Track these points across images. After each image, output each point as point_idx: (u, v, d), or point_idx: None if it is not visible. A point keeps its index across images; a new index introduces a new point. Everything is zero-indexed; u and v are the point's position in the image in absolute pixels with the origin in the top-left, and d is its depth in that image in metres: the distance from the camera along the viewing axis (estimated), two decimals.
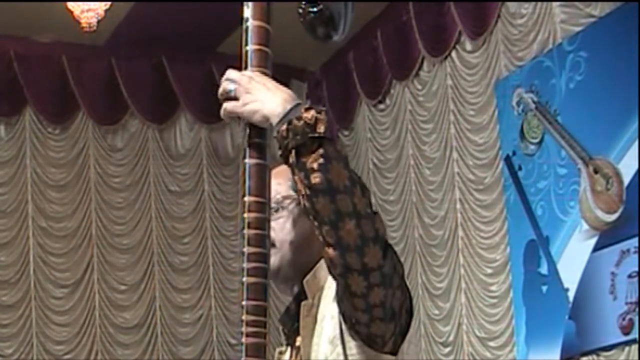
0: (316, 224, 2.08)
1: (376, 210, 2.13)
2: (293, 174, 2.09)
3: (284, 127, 2.07)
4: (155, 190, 10.13)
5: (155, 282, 9.97)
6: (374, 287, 2.09)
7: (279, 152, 2.11)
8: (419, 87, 9.35)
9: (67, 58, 9.84)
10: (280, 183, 2.36)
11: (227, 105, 2.14)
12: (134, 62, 10.06)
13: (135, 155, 10.13)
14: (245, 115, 2.12)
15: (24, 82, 9.72)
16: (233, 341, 9.87)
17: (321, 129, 2.06)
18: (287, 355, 2.40)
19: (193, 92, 10.24)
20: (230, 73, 2.15)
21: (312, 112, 2.07)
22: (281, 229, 2.35)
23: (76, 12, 8.48)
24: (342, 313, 2.17)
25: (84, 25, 8.49)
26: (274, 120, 2.09)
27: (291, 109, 2.09)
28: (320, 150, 2.04)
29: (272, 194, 2.25)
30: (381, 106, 9.82)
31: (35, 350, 9.55)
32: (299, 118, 2.06)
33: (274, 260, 2.31)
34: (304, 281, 2.34)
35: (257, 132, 2.16)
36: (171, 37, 9.80)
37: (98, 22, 8.53)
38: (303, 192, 2.07)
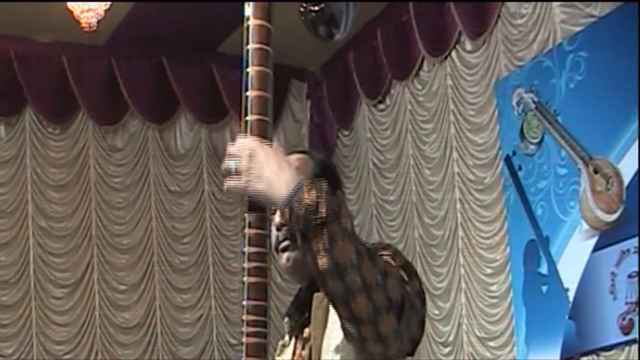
0: (330, 300, 2.14)
1: (386, 272, 2.14)
2: (302, 253, 2.14)
3: (287, 212, 2.10)
4: (155, 190, 10.13)
5: (155, 282, 9.97)
6: (391, 345, 2.16)
7: (289, 235, 2.18)
8: (419, 87, 9.35)
9: (67, 58, 9.84)
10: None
11: (231, 183, 2.16)
12: (134, 62, 10.06)
13: (135, 155, 10.13)
14: (249, 195, 2.15)
15: (24, 82, 9.72)
16: (233, 341, 9.87)
17: (323, 211, 2.08)
18: (290, 347, 2.41)
19: (193, 92, 10.24)
20: (232, 149, 2.16)
21: (313, 195, 2.09)
22: None
23: (76, 12, 8.48)
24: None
25: (84, 25, 8.49)
26: (279, 204, 2.12)
27: (294, 190, 2.10)
28: (324, 233, 2.08)
29: None
30: (381, 106, 9.82)
31: (35, 350, 9.55)
32: (300, 203, 2.08)
33: (295, 254, 2.35)
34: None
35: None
36: (171, 37, 9.80)
37: (98, 22, 8.53)
38: (313, 272, 2.11)
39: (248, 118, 2.17)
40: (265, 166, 2.13)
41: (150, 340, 9.89)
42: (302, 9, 2.15)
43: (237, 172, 2.14)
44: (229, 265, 10.12)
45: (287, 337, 2.43)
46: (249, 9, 2.16)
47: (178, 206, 10.19)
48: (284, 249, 2.37)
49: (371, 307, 2.10)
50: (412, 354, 2.25)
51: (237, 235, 9.91)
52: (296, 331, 2.40)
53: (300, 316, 2.39)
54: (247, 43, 2.17)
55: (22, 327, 9.56)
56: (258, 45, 2.16)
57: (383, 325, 2.11)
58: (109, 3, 8.50)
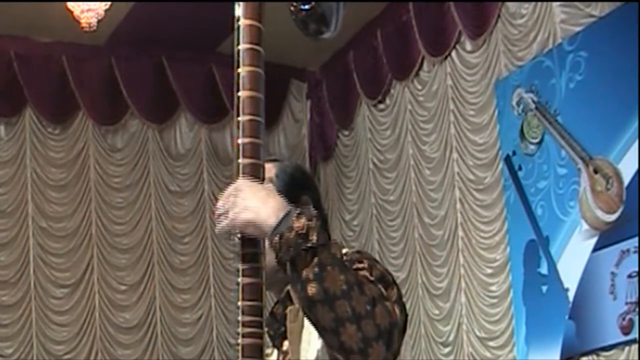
0: (317, 329, 2.10)
1: (375, 297, 2.11)
2: (289, 284, 2.13)
3: (276, 240, 2.08)
4: (155, 190, 10.13)
5: (155, 282, 9.97)
6: None
7: (276, 261, 2.12)
8: (419, 87, 9.35)
9: (67, 58, 9.84)
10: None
11: (220, 225, 2.15)
12: (134, 62, 10.06)
13: (135, 155, 10.12)
14: (237, 228, 2.12)
15: (24, 82, 9.72)
16: (233, 341, 9.86)
17: (313, 238, 2.06)
18: (273, 357, 2.40)
19: (193, 92, 10.24)
20: (224, 194, 2.15)
21: (303, 221, 2.08)
22: None
23: (76, 12, 8.48)
24: None
25: (84, 25, 8.49)
26: (267, 231, 2.09)
27: (283, 219, 2.09)
28: (315, 260, 2.05)
29: None
30: (381, 106, 9.82)
31: (35, 350, 9.55)
32: (291, 229, 2.07)
33: (268, 262, 2.30)
34: (290, 286, 2.34)
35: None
36: (171, 37, 9.80)
37: (98, 22, 8.52)
38: (301, 303, 2.09)
39: (240, 118, 2.17)
40: (252, 197, 2.11)
41: (150, 340, 9.89)
42: (292, 8, 2.14)
43: (224, 213, 2.13)
44: (229, 265, 10.12)
45: (269, 348, 2.41)
46: (239, 9, 2.16)
47: (178, 206, 10.19)
48: None
49: (360, 337, 2.06)
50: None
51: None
52: (277, 342, 2.38)
53: (279, 328, 2.37)
54: (238, 43, 2.16)
55: (22, 327, 9.56)
56: (249, 46, 2.16)
57: (372, 355, 2.08)
58: (109, 3, 8.50)
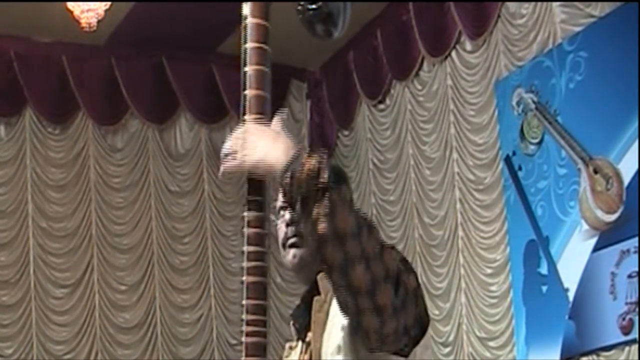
0: (326, 270, 2.09)
1: (384, 244, 2.13)
2: (300, 222, 2.10)
3: (287, 180, 2.07)
4: (155, 190, 10.13)
5: (155, 282, 9.97)
6: (387, 321, 2.11)
7: (286, 202, 2.11)
8: (419, 87, 9.35)
9: (67, 58, 9.84)
10: None
11: (226, 165, 2.14)
12: (134, 62, 10.06)
13: (135, 155, 10.12)
14: (246, 169, 2.12)
15: (24, 82, 9.71)
16: (233, 341, 9.86)
17: (324, 177, 2.05)
18: (298, 350, 2.40)
19: (193, 92, 10.24)
20: (230, 136, 2.15)
21: (314, 161, 2.07)
22: None
23: (76, 12, 8.47)
24: (355, 335, 2.18)
25: (84, 25, 8.49)
26: (277, 171, 2.09)
27: (293, 158, 2.08)
28: (325, 199, 2.05)
29: None
30: (381, 106, 9.82)
31: (35, 350, 9.54)
32: (301, 168, 2.06)
33: (303, 251, 2.34)
34: (318, 277, 2.34)
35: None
36: (171, 37, 9.79)
37: (98, 22, 8.52)
38: (310, 241, 2.08)
39: (246, 117, 2.17)
40: (260, 139, 2.11)
41: (150, 340, 9.89)
42: (299, 8, 2.15)
43: (232, 153, 2.12)
44: (229, 265, 10.12)
45: (294, 341, 2.41)
46: (246, 8, 2.16)
47: (178, 206, 10.18)
48: (292, 245, 2.35)
49: (369, 277, 2.06)
50: (407, 354, 2.21)
51: (237, 235, 9.89)
52: (302, 334, 2.38)
53: (305, 319, 2.36)
54: (245, 42, 2.17)
55: (22, 327, 9.56)
56: (256, 44, 2.17)
57: (380, 296, 2.07)
58: (109, 3, 8.49)
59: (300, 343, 2.39)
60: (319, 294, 2.32)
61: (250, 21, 2.16)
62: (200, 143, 10.36)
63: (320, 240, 2.06)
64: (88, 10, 8.46)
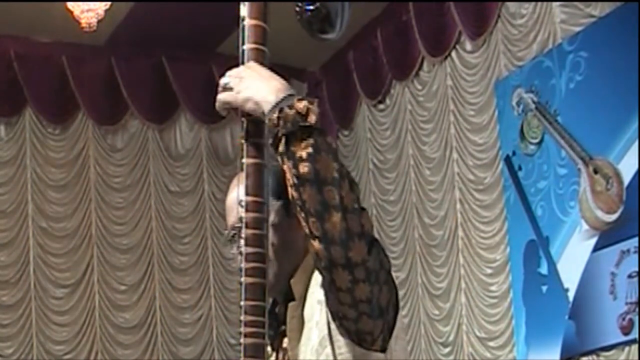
0: (302, 214, 2.08)
1: (364, 207, 2.13)
2: (282, 162, 2.09)
3: (275, 115, 2.07)
4: (155, 190, 10.13)
5: (155, 282, 9.97)
6: (359, 282, 2.09)
7: (269, 140, 2.11)
8: (419, 87, 9.35)
9: (67, 58, 9.84)
10: None
11: (221, 95, 2.15)
12: (134, 62, 10.06)
13: (135, 155, 10.12)
14: (238, 103, 2.13)
15: (24, 82, 9.71)
16: (233, 341, 9.86)
17: (312, 118, 2.08)
18: (272, 358, 2.38)
19: (193, 92, 10.23)
20: (229, 71, 2.17)
21: (304, 102, 2.09)
22: (274, 232, 2.33)
23: (76, 12, 8.47)
24: (330, 309, 2.17)
25: (84, 25, 8.48)
26: (266, 108, 2.10)
27: (284, 98, 2.10)
28: (310, 140, 2.06)
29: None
30: (381, 106, 9.82)
31: (35, 350, 9.54)
32: (291, 107, 2.07)
33: (275, 268, 2.31)
34: (292, 282, 2.33)
35: (255, 130, 2.17)
36: (171, 37, 9.79)
37: (98, 22, 8.52)
38: (291, 182, 2.07)
39: (244, 118, 2.18)
40: (256, 77, 2.12)
41: (150, 340, 9.89)
42: (297, 8, 2.15)
43: (230, 87, 2.14)
44: (229, 265, 10.11)
45: (269, 349, 2.38)
46: (244, 9, 2.16)
47: (178, 206, 10.18)
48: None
49: (344, 228, 2.05)
50: (384, 349, 2.19)
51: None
52: (276, 342, 2.36)
53: (278, 327, 2.35)
54: (243, 43, 2.17)
55: (22, 327, 9.56)
56: (253, 45, 2.17)
57: (353, 251, 2.06)
58: (109, 3, 8.49)
59: (274, 352, 2.37)
60: (292, 299, 2.31)
61: (247, 22, 2.16)
62: (200, 143, 10.35)
63: (300, 180, 2.05)
64: (88, 10, 8.45)
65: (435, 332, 8.98)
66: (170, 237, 10.10)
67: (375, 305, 2.13)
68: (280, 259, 2.33)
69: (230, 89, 2.14)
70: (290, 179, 2.07)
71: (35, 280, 9.65)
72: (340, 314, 2.14)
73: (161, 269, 10.02)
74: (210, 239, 10.19)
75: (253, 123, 2.16)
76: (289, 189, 2.10)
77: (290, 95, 2.11)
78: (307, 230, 2.09)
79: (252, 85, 2.12)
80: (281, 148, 2.08)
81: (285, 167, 2.08)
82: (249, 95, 2.12)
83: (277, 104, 2.09)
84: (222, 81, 2.16)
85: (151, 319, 9.92)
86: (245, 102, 2.13)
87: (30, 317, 9.58)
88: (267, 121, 2.10)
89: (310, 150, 2.05)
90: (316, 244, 2.08)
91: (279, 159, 2.10)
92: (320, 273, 2.15)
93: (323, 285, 2.17)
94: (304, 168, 2.05)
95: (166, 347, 9.91)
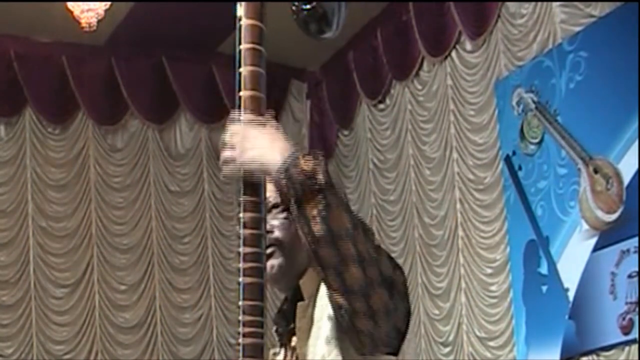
0: (321, 270, 2.10)
1: (379, 246, 2.15)
2: (294, 221, 2.11)
3: (283, 179, 2.08)
4: (155, 190, 10.13)
5: (155, 282, 9.97)
6: (380, 324, 2.13)
7: (280, 201, 2.14)
8: (419, 87, 9.35)
9: (67, 58, 9.84)
10: None
11: (225, 153, 2.15)
12: (134, 62, 10.07)
13: (135, 155, 10.12)
14: (244, 163, 2.13)
15: (24, 82, 9.72)
16: (233, 341, 9.86)
17: (320, 178, 2.07)
18: (281, 356, 2.39)
19: (193, 92, 10.24)
20: (228, 130, 2.16)
21: (310, 162, 2.09)
22: (286, 228, 2.34)
23: (76, 12, 8.47)
24: (350, 342, 2.19)
25: (84, 25, 8.48)
26: (273, 171, 2.10)
27: (290, 157, 2.10)
28: (321, 198, 2.06)
29: (272, 192, 2.26)
30: (381, 106, 9.82)
31: (35, 350, 9.54)
32: (298, 168, 2.07)
33: (281, 261, 2.33)
34: (301, 282, 2.34)
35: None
36: (171, 37, 9.80)
37: (98, 22, 8.52)
38: (306, 241, 2.08)
39: (241, 46, 2.17)
40: (258, 138, 2.13)
41: (150, 340, 9.89)
42: (294, 8, 2.15)
43: (231, 150, 2.14)
44: (229, 265, 10.11)
45: (277, 347, 2.40)
46: (240, 9, 2.16)
47: (178, 206, 10.19)
48: (269, 256, 2.31)
49: (363, 279, 2.07)
50: (396, 352, 2.22)
51: (237, 235, 9.88)
52: (285, 339, 2.37)
53: (287, 325, 2.36)
54: (240, 43, 2.17)
55: (22, 327, 9.56)
56: (250, 45, 2.17)
57: (374, 299, 2.09)
58: (109, 3, 8.49)
59: (283, 349, 2.38)
60: (302, 299, 2.32)
61: (244, 22, 2.16)
62: (200, 143, 10.36)
63: (316, 241, 2.06)
64: (88, 10, 8.45)
65: (435, 332, 8.98)
66: (170, 237, 10.11)
67: (394, 332, 2.17)
68: (286, 254, 2.34)
69: (232, 150, 2.14)
70: (304, 237, 2.09)
71: (35, 280, 9.66)
72: (359, 347, 2.17)
73: (161, 268, 10.03)
74: (210, 239, 10.19)
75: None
76: (306, 246, 2.10)
77: (294, 153, 2.10)
78: (326, 285, 2.12)
79: (257, 146, 2.12)
80: (292, 210, 2.09)
81: (298, 226, 2.09)
82: (255, 156, 2.12)
83: (284, 166, 2.09)
84: (225, 139, 2.16)
85: (151, 318, 9.92)
86: (251, 163, 2.13)
87: (30, 317, 9.59)
88: (274, 185, 2.11)
89: (321, 208, 2.06)
90: (336, 296, 2.10)
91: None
92: (340, 318, 2.15)
93: (342, 326, 2.18)
94: (317, 227, 2.06)
95: (166, 347, 9.91)
